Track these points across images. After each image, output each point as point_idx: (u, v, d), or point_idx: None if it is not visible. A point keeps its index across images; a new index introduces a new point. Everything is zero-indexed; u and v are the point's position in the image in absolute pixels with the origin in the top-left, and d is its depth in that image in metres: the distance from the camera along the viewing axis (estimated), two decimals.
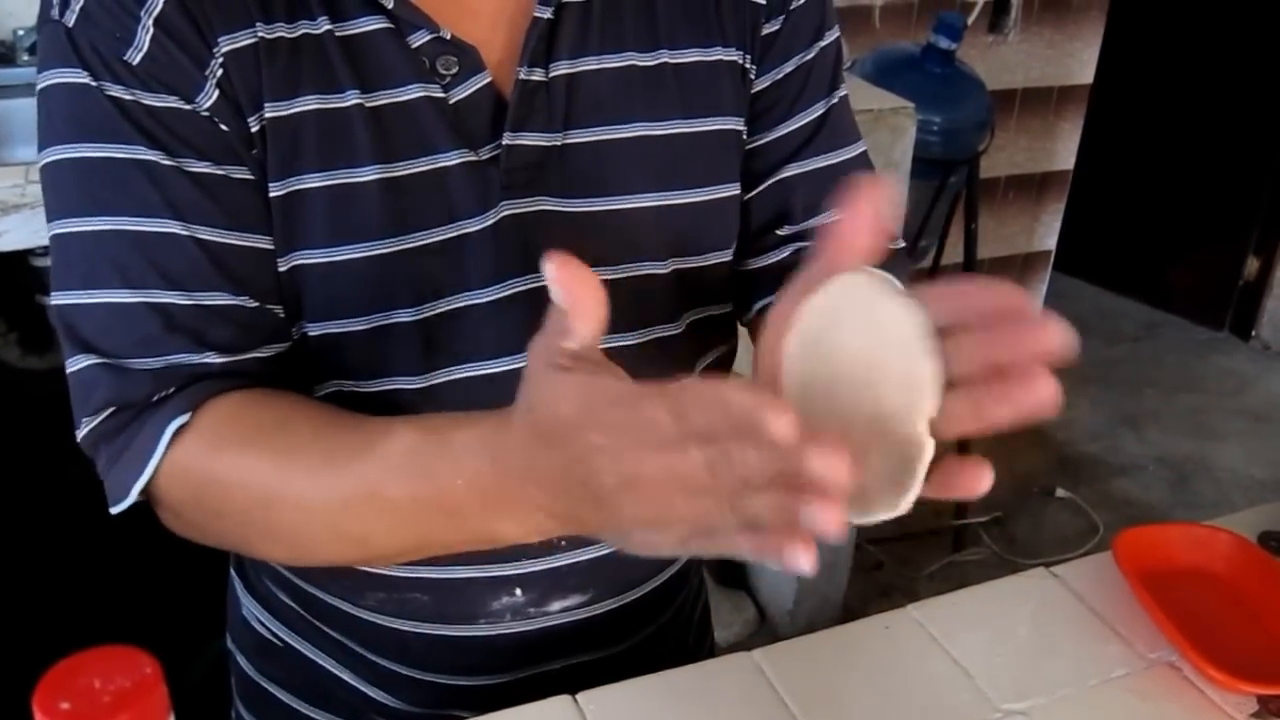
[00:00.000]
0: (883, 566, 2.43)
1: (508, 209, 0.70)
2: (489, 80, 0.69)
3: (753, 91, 0.77)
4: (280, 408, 0.65)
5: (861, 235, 0.50)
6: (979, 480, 0.49)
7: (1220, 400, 3.11)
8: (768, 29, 0.76)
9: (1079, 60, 2.72)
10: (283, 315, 0.69)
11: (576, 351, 0.49)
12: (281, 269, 0.68)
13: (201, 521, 0.66)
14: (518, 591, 0.77)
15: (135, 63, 0.63)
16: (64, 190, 0.65)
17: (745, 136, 0.78)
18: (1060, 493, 2.68)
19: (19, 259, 1.41)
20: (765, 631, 2.24)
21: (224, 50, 0.64)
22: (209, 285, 0.65)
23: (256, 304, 0.67)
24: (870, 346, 0.50)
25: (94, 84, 0.63)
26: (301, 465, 0.61)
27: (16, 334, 1.48)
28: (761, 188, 0.80)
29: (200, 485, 0.64)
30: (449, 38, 0.68)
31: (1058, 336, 0.47)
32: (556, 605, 0.79)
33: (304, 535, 0.63)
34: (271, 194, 0.66)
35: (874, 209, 0.49)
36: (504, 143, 0.69)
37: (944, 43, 2.14)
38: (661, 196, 0.73)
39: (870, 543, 2.43)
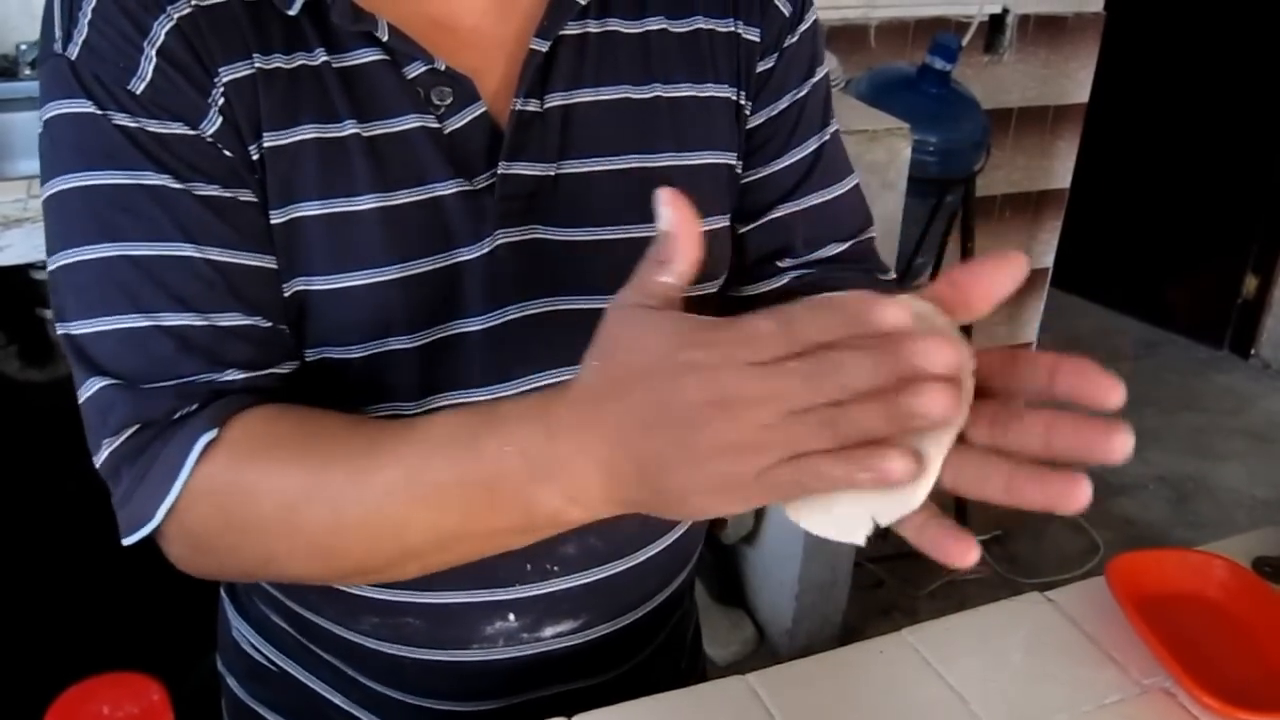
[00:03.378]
0: (883, 585, 2.43)
1: (502, 237, 0.71)
2: (484, 110, 0.70)
3: (748, 127, 0.79)
4: (310, 417, 0.65)
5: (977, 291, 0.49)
6: (965, 554, 0.49)
7: (1220, 419, 3.11)
8: (762, 66, 0.78)
9: (1074, 80, 2.73)
10: (288, 334, 0.70)
11: (668, 290, 0.50)
12: (285, 294, 0.68)
13: (223, 537, 0.65)
14: (511, 616, 0.77)
15: (139, 92, 0.64)
16: (70, 219, 0.65)
17: (740, 171, 0.80)
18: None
19: (19, 272, 1.42)
20: (764, 650, 2.24)
21: (225, 80, 0.65)
22: (223, 306, 0.65)
23: (270, 324, 0.68)
24: None
25: (100, 113, 0.64)
26: (339, 461, 0.60)
27: (16, 346, 1.48)
28: (760, 223, 0.81)
29: (228, 498, 0.63)
30: (443, 69, 0.69)
31: (1121, 448, 0.47)
32: (550, 631, 0.79)
33: (336, 536, 0.61)
34: (272, 221, 0.67)
35: (999, 282, 0.48)
36: (499, 172, 0.70)
37: (939, 64, 2.16)
38: (654, 228, 0.74)
39: (870, 561, 2.43)
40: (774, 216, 0.81)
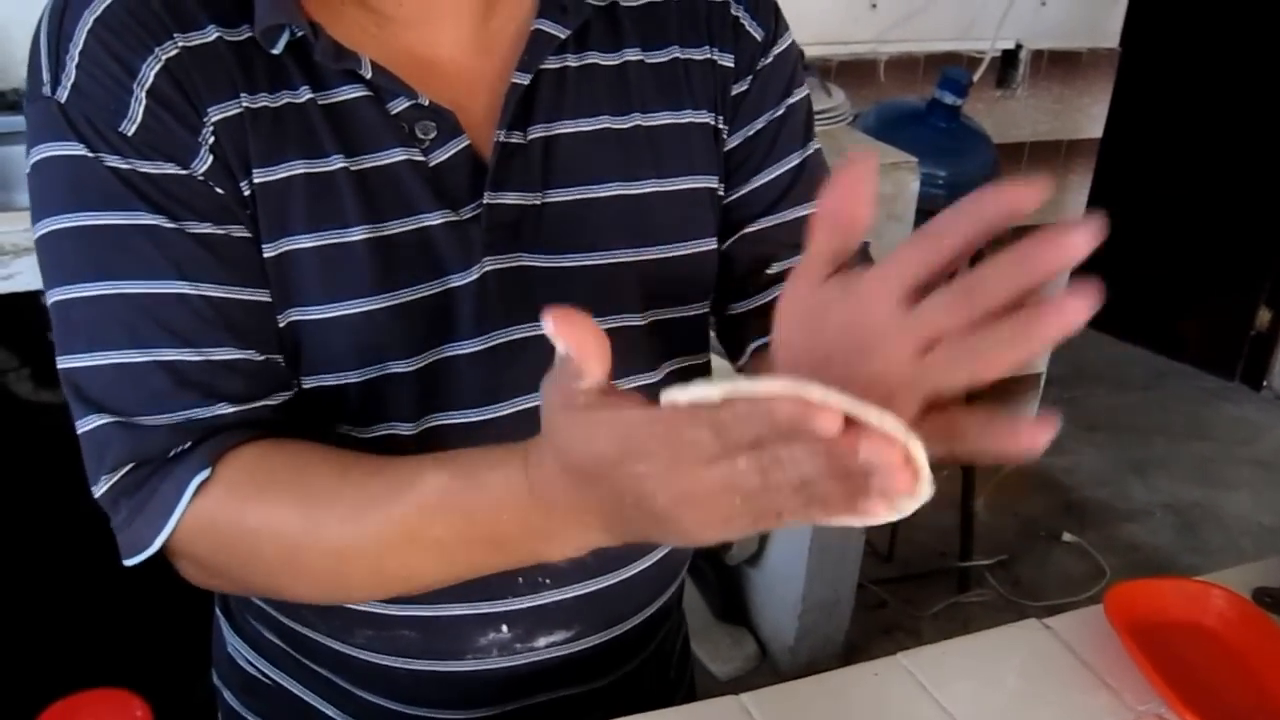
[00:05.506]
0: (886, 606, 2.42)
1: (490, 265, 0.72)
2: (467, 143, 0.72)
3: (726, 149, 0.81)
4: (300, 455, 0.66)
5: (853, 209, 0.49)
6: (1041, 433, 0.45)
7: (1230, 449, 3.10)
8: (736, 89, 0.80)
9: (1088, 115, 2.73)
10: (285, 365, 0.71)
11: (593, 390, 0.50)
12: (280, 325, 0.69)
13: (229, 570, 0.68)
14: (504, 628, 0.79)
15: (130, 133, 0.65)
16: (65, 257, 0.66)
17: (722, 192, 0.82)
18: (1067, 537, 2.67)
19: (29, 298, 1.40)
20: (766, 667, 2.24)
21: (214, 119, 0.66)
22: (217, 340, 0.67)
23: (263, 357, 0.69)
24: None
25: (91, 155, 0.64)
26: (332, 513, 0.62)
27: (29, 369, 1.46)
28: (740, 235, 0.82)
29: (228, 537, 0.65)
30: (426, 104, 0.71)
31: (1080, 245, 0.43)
32: (543, 641, 0.80)
33: (342, 578, 0.65)
34: (265, 255, 0.68)
35: (860, 184, 0.49)
36: (485, 202, 0.72)
37: (949, 98, 2.15)
38: (638, 252, 0.77)
39: (874, 582, 2.42)
40: (756, 229, 0.82)
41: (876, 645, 2.30)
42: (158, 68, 0.65)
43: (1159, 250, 3.45)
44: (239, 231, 0.68)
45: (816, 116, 1.93)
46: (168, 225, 0.65)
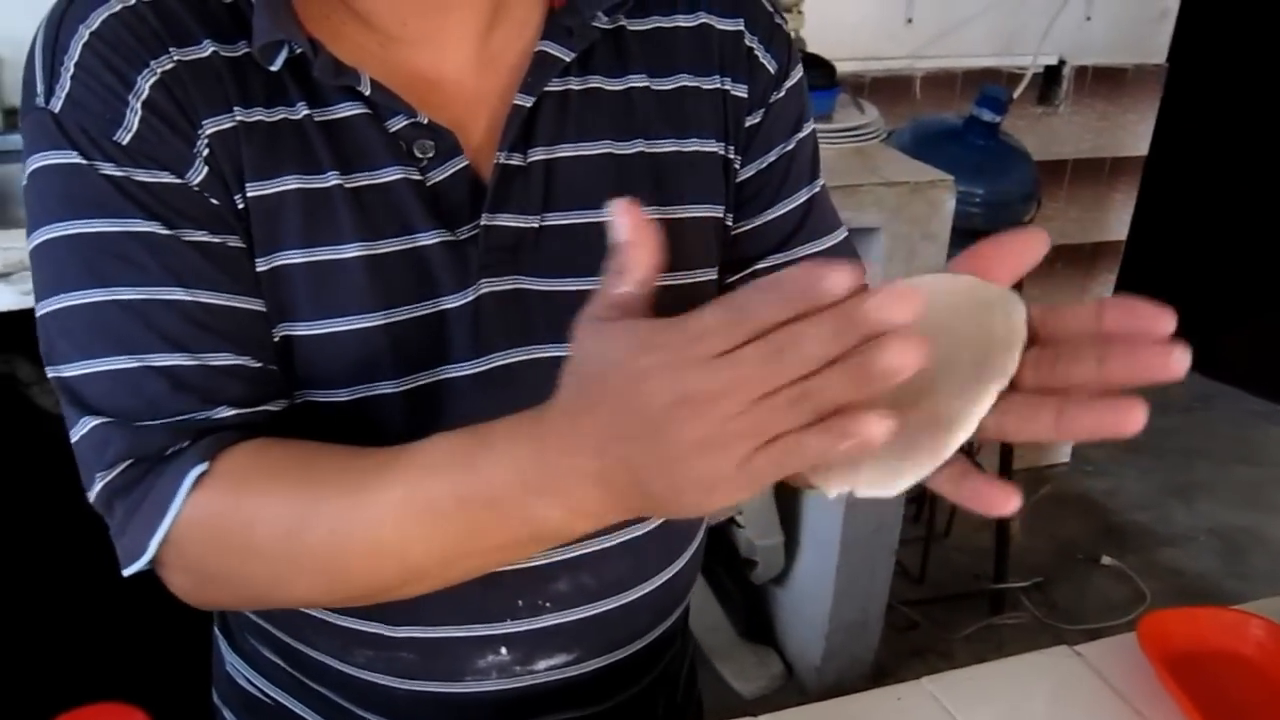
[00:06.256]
0: (918, 627, 2.40)
1: (486, 287, 0.72)
2: (466, 164, 0.72)
3: (739, 180, 0.80)
4: (303, 445, 0.66)
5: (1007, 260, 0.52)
6: (1006, 502, 0.48)
7: (1276, 473, 3.04)
8: (750, 121, 0.80)
9: (1133, 133, 2.70)
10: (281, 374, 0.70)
11: (628, 299, 0.51)
12: (274, 338, 0.69)
13: (223, 571, 0.66)
14: (503, 650, 0.78)
15: (125, 142, 0.65)
16: (58, 267, 0.66)
17: (731, 224, 0.81)
18: (1106, 560, 2.64)
19: None
20: (792, 687, 2.23)
21: (209, 131, 0.66)
22: (214, 346, 0.66)
23: (260, 363, 0.69)
24: (960, 325, 0.51)
25: (86, 163, 0.65)
26: (334, 487, 0.62)
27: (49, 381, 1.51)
28: (750, 273, 0.82)
29: (225, 527, 0.64)
30: (425, 122, 0.70)
31: (1180, 362, 0.46)
32: (543, 664, 0.80)
33: (339, 558, 0.62)
34: (258, 269, 0.68)
35: (1022, 255, 0.52)
36: (482, 223, 0.71)
37: (987, 115, 2.13)
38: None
39: (905, 604, 2.41)
40: (764, 267, 0.81)
41: (906, 668, 2.28)
42: (153, 80, 0.65)
43: (1204, 270, 3.40)
44: (234, 241, 0.68)
45: (849, 133, 1.99)
46: (163, 232, 0.65)
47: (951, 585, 2.51)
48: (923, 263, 1.91)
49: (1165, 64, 2.66)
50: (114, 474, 0.66)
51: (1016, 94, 2.28)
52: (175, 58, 0.66)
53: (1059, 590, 2.55)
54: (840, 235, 0.86)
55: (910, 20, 2.37)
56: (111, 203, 0.65)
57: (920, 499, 2.53)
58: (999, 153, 2.18)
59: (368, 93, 0.69)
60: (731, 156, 0.80)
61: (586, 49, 0.75)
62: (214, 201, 0.67)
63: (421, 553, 0.60)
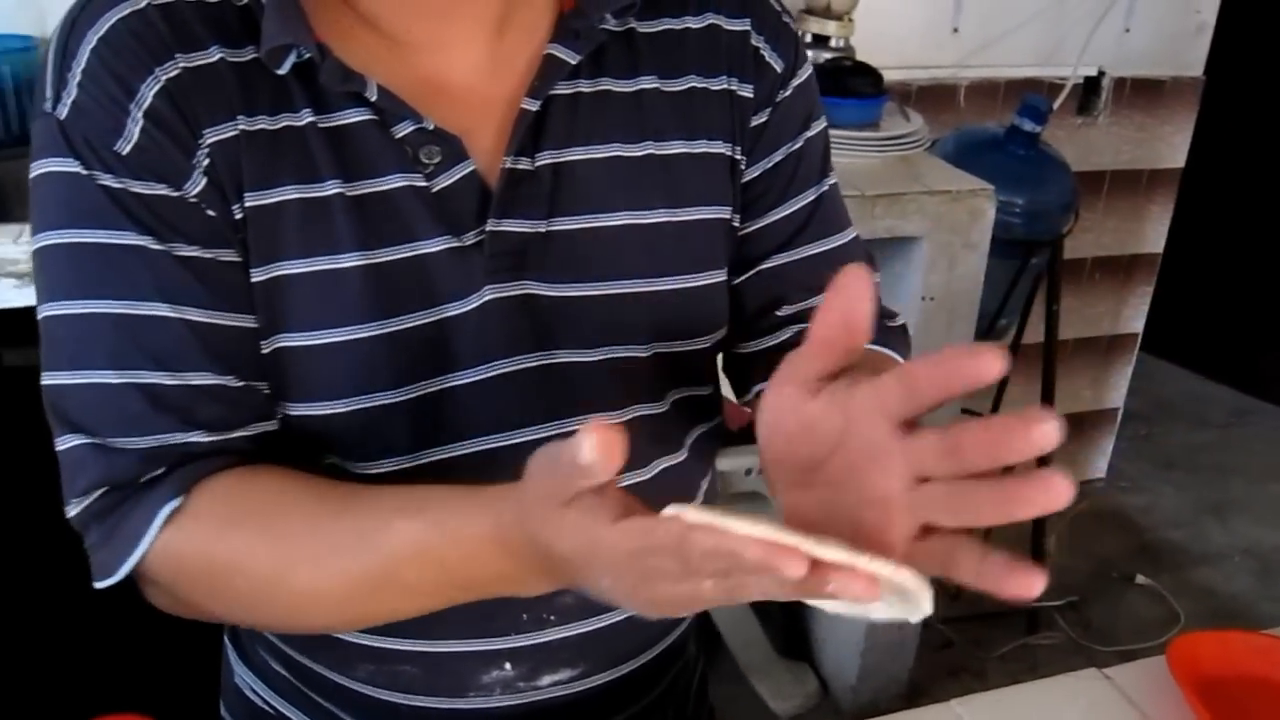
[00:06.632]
0: (953, 646, 2.38)
1: (491, 293, 0.72)
2: (472, 169, 0.71)
3: (744, 181, 0.80)
4: (271, 489, 0.67)
5: (851, 328, 0.50)
6: (1032, 585, 0.46)
7: None
8: (756, 121, 0.79)
9: (1170, 144, 2.68)
10: (267, 393, 0.71)
11: (584, 489, 0.50)
12: (265, 350, 0.69)
13: (194, 601, 0.68)
14: (508, 665, 0.78)
15: (125, 153, 0.65)
16: (55, 273, 0.67)
17: (738, 224, 0.81)
18: (1141, 579, 2.61)
19: None
20: (827, 706, 2.21)
21: (209, 141, 0.66)
22: (196, 365, 0.67)
23: (242, 383, 0.69)
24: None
25: (85, 173, 0.65)
26: (304, 554, 0.64)
27: None
28: (755, 272, 0.82)
29: (195, 570, 0.66)
30: (432, 128, 0.70)
31: (1046, 433, 0.43)
32: (547, 679, 0.79)
33: (317, 614, 0.67)
34: (254, 279, 0.68)
35: (855, 302, 0.49)
36: (488, 229, 0.71)
37: (1028, 125, 2.12)
38: (647, 282, 0.76)
39: (941, 621, 2.39)
40: (768, 266, 0.82)
41: (940, 687, 2.26)
42: (156, 88, 0.65)
43: (1240, 284, 3.36)
44: (227, 256, 0.68)
45: (894, 141, 2.01)
46: (155, 247, 0.66)
47: (987, 602, 2.43)
48: (964, 271, 1.90)
49: (1202, 76, 2.65)
50: (88, 500, 0.67)
51: (1057, 104, 2.27)
52: (181, 64, 0.66)
53: (1094, 609, 2.53)
54: (848, 235, 0.85)
55: (956, 30, 2.37)
56: (107, 214, 0.65)
57: None
58: (1039, 163, 2.17)
59: (374, 99, 0.69)
60: (738, 157, 0.79)
61: (598, 51, 0.75)
62: (210, 213, 0.67)
63: (400, 614, 0.66)
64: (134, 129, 0.65)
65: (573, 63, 0.73)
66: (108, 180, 0.65)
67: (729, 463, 1.96)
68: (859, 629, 2.10)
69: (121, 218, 0.65)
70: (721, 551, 0.46)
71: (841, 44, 2.03)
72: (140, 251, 0.66)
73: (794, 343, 0.78)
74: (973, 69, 2.40)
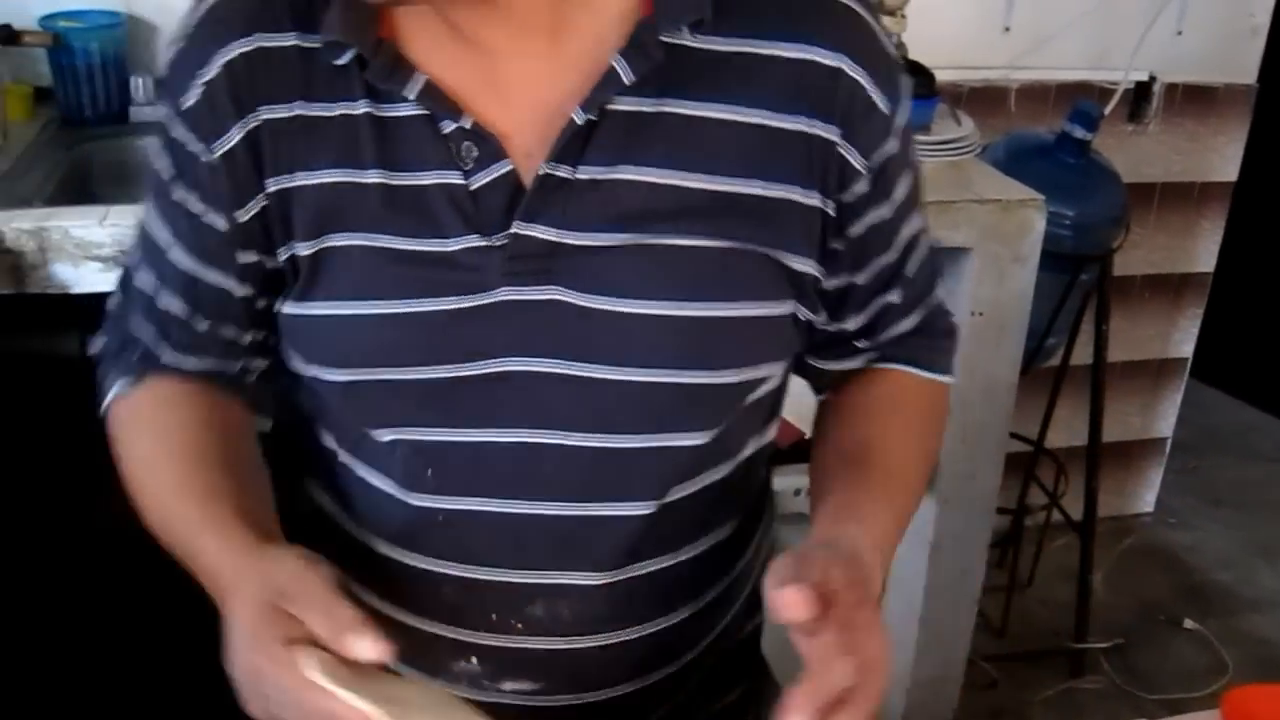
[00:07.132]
0: (997, 686, 2.33)
1: (507, 294, 0.74)
2: (510, 169, 0.73)
3: (853, 234, 0.79)
4: (176, 423, 0.81)
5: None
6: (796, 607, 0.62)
7: None
8: (857, 176, 0.77)
9: (1222, 155, 2.61)
10: (245, 345, 0.82)
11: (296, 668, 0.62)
12: (297, 313, 0.78)
13: (118, 453, 0.84)
14: (474, 660, 0.82)
15: (184, 108, 0.76)
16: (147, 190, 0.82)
17: (815, 274, 0.79)
18: (1188, 624, 2.55)
19: None
20: None
21: (263, 116, 0.74)
22: (173, 294, 0.80)
23: (208, 324, 0.80)
24: None
25: (165, 110, 0.78)
26: (151, 487, 0.80)
27: None
28: (866, 311, 0.85)
29: (115, 436, 0.83)
30: (469, 126, 0.73)
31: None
32: (509, 685, 0.83)
33: (147, 519, 0.81)
34: (300, 253, 0.76)
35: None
36: (513, 230, 0.73)
37: (1079, 132, 2.06)
38: (676, 306, 0.75)
39: (985, 659, 2.34)
40: (884, 302, 0.85)
41: None
42: (226, 59, 0.74)
43: None
44: (220, 223, 0.77)
45: (945, 145, 1.99)
46: (177, 189, 0.78)
47: (1031, 640, 2.46)
48: (1013, 286, 1.86)
49: (1256, 84, 2.58)
50: (101, 344, 0.86)
51: (1107, 110, 2.21)
52: (258, 43, 0.74)
53: (1139, 654, 2.48)
54: (921, 258, 0.87)
55: (1008, 29, 2.35)
56: (163, 150, 0.79)
57: (1004, 542, 2.47)
58: (1090, 173, 2.11)
59: (412, 97, 0.72)
60: (830, 212, 0.77)
61: (666, 71, 0.73)
62: (226, 179, 0.75)
63: (155, 521, 0.80)
64: (196, 92, 0.75)
65: (627, 81, 0.72)
66: (176, 126, 0.77)
67: (779, 482, 1.90)
68: (904, 666, 2.04)
69: (168, 157, 0.78)
70: (323, 710, 0.60)
71: (894, 40, 1.95)
72: (169, 185, 0.78)
73: (864, 369, 0.89)
74: (1023, 70, 2.39)
